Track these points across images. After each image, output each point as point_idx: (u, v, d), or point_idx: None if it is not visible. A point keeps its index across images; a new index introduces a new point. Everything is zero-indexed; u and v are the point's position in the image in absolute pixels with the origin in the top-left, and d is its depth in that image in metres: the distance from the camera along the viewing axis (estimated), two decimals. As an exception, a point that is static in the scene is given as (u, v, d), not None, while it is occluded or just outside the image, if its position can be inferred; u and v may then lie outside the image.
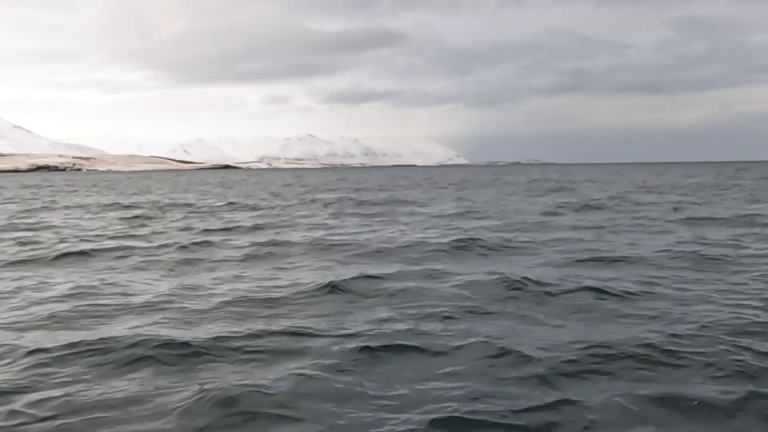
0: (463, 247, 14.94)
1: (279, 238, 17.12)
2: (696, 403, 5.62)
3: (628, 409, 5.54)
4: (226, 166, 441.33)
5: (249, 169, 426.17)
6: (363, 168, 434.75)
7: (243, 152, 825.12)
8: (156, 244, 16.08)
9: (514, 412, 5.43)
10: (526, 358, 6.69)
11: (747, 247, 14.17)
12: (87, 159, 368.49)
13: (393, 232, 18.40)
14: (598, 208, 26.11)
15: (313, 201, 35.34)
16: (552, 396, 5.76)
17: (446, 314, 8.47)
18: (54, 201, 39.12)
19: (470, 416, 5.30)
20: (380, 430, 5.10)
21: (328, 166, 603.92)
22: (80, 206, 33.72)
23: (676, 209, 24.40)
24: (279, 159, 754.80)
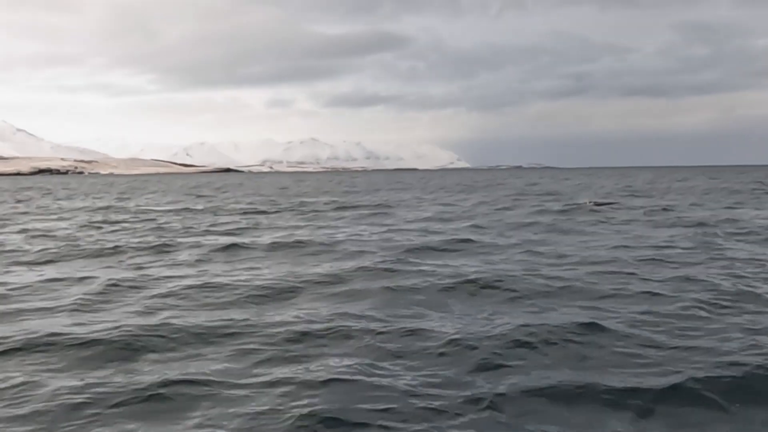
0: (427, 248, 15.12)
1: (247, 240, 17.27)
2: (609, 394, 5.74)
3: (539, 400, 5.65)
4: (228, 170, 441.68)
5: (251, 172, 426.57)
6: (364, 172, 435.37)
7: (245, 156, 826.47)
8: (124, 247, 16.20)
9: (422, 407, 5.54)
10: (449, 352, 6.86)
11: (681, 249, 14.34)
12: (89, 162, 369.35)
13: (368, 234, 18.55)
14: (571, 211, 26.21)
15: (302, 204, 35.50)
16: (466, 389, 5.88)
17: (379, 312, 8.58)
18: (41, 206, 39.27)
19: (354, 414, 5.41)
20: (274, 424, 5.23)
21: (329, 170, 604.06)
22: (64, 210, 33.89)
23: (645, 212, 24.58)
24: (281, 162, 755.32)
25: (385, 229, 20.33)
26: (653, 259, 12.88)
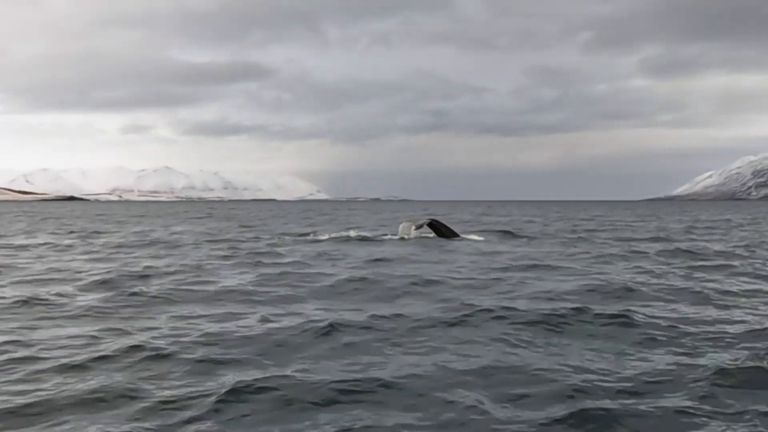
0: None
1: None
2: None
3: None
4: (71, 198, 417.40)
5: (97, 201, 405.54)
6: (219, 202, 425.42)
7: (94, 183, 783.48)
8: None
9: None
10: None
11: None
12: None
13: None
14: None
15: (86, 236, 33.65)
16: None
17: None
18: None
19: None
20: None
21: (184, 200, 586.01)
22: None
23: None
24: (132, 191, 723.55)
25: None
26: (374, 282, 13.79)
